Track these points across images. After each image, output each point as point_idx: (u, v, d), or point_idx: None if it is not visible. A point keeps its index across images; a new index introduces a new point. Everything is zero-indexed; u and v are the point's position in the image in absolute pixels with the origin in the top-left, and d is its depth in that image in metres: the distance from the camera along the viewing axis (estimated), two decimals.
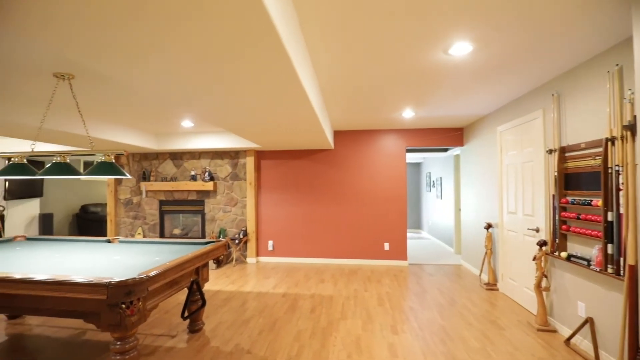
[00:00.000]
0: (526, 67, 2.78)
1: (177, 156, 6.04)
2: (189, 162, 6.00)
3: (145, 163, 6.12)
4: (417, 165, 9.47)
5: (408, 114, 4.47)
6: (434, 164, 7.87)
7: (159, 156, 6.08)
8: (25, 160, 2.95)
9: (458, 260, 5.83)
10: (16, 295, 2.12)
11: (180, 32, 1.49)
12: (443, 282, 4.48)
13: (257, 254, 5.86)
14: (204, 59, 1.79)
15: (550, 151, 2.98)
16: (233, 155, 5.88)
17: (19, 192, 6.32)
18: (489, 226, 4.28)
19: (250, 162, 5.77)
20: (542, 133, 3.19)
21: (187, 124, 4.75)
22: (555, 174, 2.88)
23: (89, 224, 7.78)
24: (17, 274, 2.05)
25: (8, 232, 6.21)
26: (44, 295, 2.03)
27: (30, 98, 3.31)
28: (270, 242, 5.83)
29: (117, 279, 1.90)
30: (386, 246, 5.55)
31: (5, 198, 6.08)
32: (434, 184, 7.95)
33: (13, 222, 6.36)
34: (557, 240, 2.88)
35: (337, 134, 5.70)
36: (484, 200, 4.59)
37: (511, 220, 3.81)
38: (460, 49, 2.38)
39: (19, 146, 5.75)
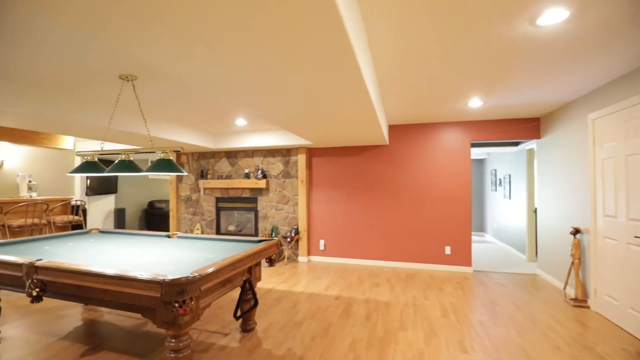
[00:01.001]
0: (637, 34, 2.23)
1: (231, 154, 6.19)
2: (243, 161, 6.11)
3: (203, 162, 6.38)
4: (480, 162, 8.64)
5: (475, 104, 3.98)
6: (501, 160, 7.08)
7: (215, 155, 6.30)
8: (96, 159, 3.15)
9: (532, 268, 5.12)
10: (82, 286, 2.22)
11: (259, 30, 1.37)
12: (517, 294, 3.93)
13: (309, 253, 5.77)
14: (261, 49, 1.66)
15: None
16: (285, 153, 5.85)
17: (97, 188, 7.03)
18: (576, 231, 3.64)
19: (301, 159, 5.69)
20: None
21: (240, 122, 4.80)
22: None
23: (155, 218, 8.41)
24: (86, 267, 2.13)
25: (89, 224, 6.93)
26: (105, 288, 2.07)
27: (99, 100, 3.55)
28: (322, 242, 5.69)
29: (170, 277, 1.87)
30: (447, 250, 5.07)
31: (86, 194, 6.79)
32: (500, 182, 7.16)
33: (93, 215, 7.10)
34: None
35: (393, 128, 5.35)
36: (569, 200, 3.92)
37: (609, 225, 3.17)
38: (552, 16, 1.96)
39: (92, 146, 6.37)
